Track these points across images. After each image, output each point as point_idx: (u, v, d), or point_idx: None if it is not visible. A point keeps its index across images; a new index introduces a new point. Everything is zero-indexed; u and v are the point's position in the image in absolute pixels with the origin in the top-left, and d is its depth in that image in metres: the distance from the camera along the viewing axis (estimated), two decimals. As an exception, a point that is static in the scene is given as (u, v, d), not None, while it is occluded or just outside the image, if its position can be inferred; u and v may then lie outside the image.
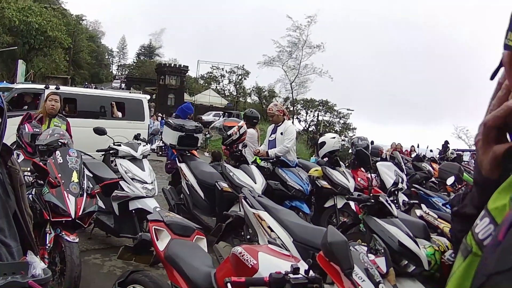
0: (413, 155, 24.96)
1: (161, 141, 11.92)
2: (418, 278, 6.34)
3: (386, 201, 7.15)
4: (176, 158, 11.19)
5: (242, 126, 10.71)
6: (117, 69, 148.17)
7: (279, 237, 6.27)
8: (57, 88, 17.89)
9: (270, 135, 12.16)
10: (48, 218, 6.51)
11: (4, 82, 33.73)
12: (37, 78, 51.21)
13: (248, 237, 8.17)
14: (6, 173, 3.83)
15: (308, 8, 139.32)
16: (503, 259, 0.76)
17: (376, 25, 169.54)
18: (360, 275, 3.70)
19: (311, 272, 3.51)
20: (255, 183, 9.75)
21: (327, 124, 78.86)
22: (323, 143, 12.12)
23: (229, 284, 3.36)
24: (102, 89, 43.56)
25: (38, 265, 3.63)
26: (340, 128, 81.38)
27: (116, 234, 9.55)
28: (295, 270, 3.36)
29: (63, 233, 6.57)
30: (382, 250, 4.76)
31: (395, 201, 10.48)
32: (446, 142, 29.27)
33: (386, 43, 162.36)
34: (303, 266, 3.59)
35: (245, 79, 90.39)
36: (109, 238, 10.10)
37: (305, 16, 65.34)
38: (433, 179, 16.42)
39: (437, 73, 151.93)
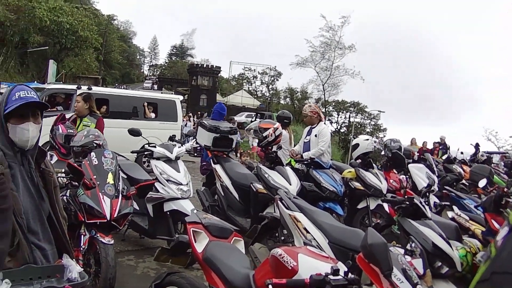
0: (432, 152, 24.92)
1: (195, 142, 11.90)
2: (451, 279, 6.38)
3: (420, 202, 7.16)
4: (211, 159, 11.20)
5: (277, 128, 10.68)
6: (148, 69, 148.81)
7: (314, 239, 6.30)
8: (89, 89, 18.05)
9: (305, 137, 12.17)
10: (83, 219, 6.54)
11: (35, 82, 33.79)
12: (67, 78, 51.32)
13: (283, 238, 8.21)
14: (40, 176, 3.87)
15: (342, 8, 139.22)
16: (507, 262, 0.82)
17: (406, 26, 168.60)
18: (399, 277, 3.74)
19: (350, 274, 3.56)
20: (290, 184, 9.73)
21: (359, 126, 78.69)
22: (357, 145, 12.16)
23: (270, 286, 3.40)
24: (131, 89, 43.61)
25: (74, 269, 3.68)
26: (371, 129, 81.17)
27: (150, 236, 9.61)
28: (335, 272, 3.40)
29: (98, 234, 6.58)
30: (419, 252, 4.78)
31: (427, 203, 10.41)
32: (477, 145, 29.09)
33: (416, 44, 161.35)
34: (341, 267, 3.62)
35: (277, 80, 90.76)
36: (142, 240, 10.15)
37: (339, 16, 65.04)
38: (463, 181, 16.36)
39: (467, 74, 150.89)
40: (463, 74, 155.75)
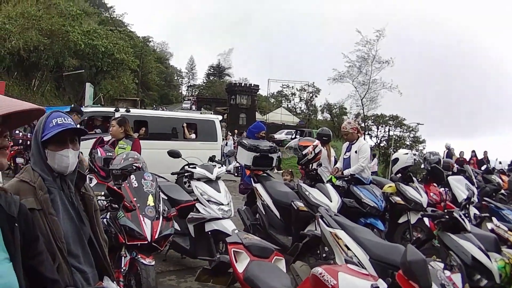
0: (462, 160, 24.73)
1: (237, 162, 11.97)
2: (492, 293, 6.37)
3: (460, 216, 7.19)
4: (251, 179, 11.23)
5: (317, 146, 10.70)
6: (186, 90, 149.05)
7: (355, 255, 6.28)
8: (127, 111, 18.38)
9: (345, 153, 12.15)
10: (124, 241, 6.59)
11: (72, 105, 34.20)
12: (105, 101, 51.64)
13: (324, 255, 8.23)
14: (80, 200, 3.93)
15: (377, 22, 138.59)
16: None
17: (440, 38, 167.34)
18: None
19: None
20: (331, 201, 9.74)
21: (398, 139, 78.13)
22: (396, 159, 12.23)
23: None
24: (170, 110, 43.65)
25: None
26: (410, 142, 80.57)
27: (191, 256, 9.68)
28: (376, 289, 3.46)
29: (139, 256, 6.61)
30: (458, 267, 4.80)
31: (467, 215, 10.37)
32: (515, 153, 28.70)
33: (452, 53, 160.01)
34: (381, 284, 3.68)
35: (316, 96, 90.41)
36: (184, 260, 10.19)
37: (374, 30, 64.68)
38: (502, 191, 16.07)
39: (505, 83, 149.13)
40: (502, 83, 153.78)
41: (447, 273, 4.28)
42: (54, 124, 3.79)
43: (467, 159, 27.33)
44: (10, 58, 40.74)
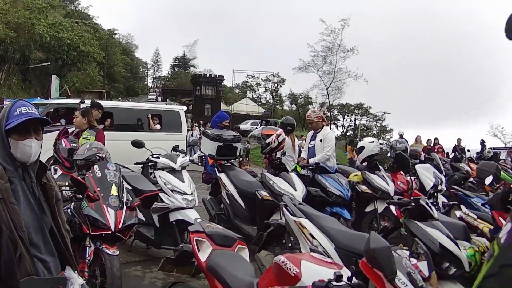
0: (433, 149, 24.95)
1: (201, 151, 12.00)
2: (459, 280, 6.33)
3: (427, 203, 7.12)
4: (216, 168, 11.22)
5: (280, 134, 10.71)
6: (152, 82, 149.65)
7: (321, 244, 6.27)
8: (94, 103, 18.23)
9: (310, 142, 12.22)
10: (88, 231, 6.56)
11: (38, 98, 33.91)
12: (72, 93, 51.66)
13: (290, 245, 8.19)
14: (42, 190, 3.91)
15: (341, 11, 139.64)
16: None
17: (406, 26, 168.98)
18: (403, 280, 3.73)
19: (354, 279, 3.53)
20: (295, 190, 9.73)
21: (364, 128, 78.72)
22: (362, 147, 12.17)
23: None
24: (136, 102, 43.77)
25: (76, 281, 3.71)
26: (377, 131, 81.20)
27: (156, 246, 9.62)
28: (338, 278, 3.38)
29: (103, 246, 6.62)
30: (424, 254, 4.76)
31: (435, 203, 10.40)
32: (483, 141, 29.04)
33: (417, 42, 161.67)
34: (346, 273, 3.60)
35: (281, 86, 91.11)
36: (149, 250, 10.17)
37: (339, 19, 65.03)
38: (471, 179, 16.34)
39: (471, 71, 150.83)
40: (466, 71, 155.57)
41: (414, 261, 4.25)
42: (18, 113, 3.80)
43: (434, 147, 27.49)
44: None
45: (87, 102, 17.80)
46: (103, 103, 20.19)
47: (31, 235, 3.69)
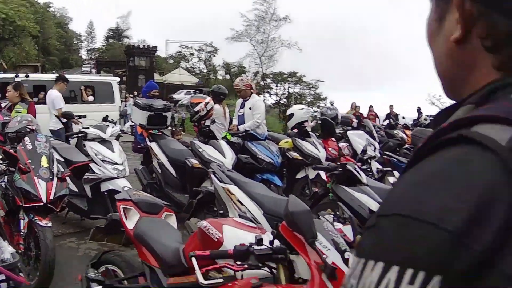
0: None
1: (131, 121, 12.02)
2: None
3: (355, 169, 7.23)
4: (147, 138, 11.21)
5: (208, 102, 10.74)
6: (86, 54, 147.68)
7: (249, 211, 6.33)
8: (27, 76, 18.41)
9: (239, 110, 12.28)
10: (21, 204, 6.53)
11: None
12: (8, 68, 50.91)
13: (221, 212, 8.25)
14: None
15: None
16: (393, 204, 0.80)
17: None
18: (325, 244, 3.69)
19: (276, 243, 3.58)
20: (225, 157, 9.78)
21: (298, 96, 78.90)
22: (292, 114, 12.25)
23: (193, 258, 3.42)
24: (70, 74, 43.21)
25: (6, 250, 3.68)
26: (311, 99, 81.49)
27: (89, 217, 9.60)
28: (259, 241, 3.43)
29: (36, 218, 6.51)
30: (349, 219, 4.83)
31: (369, 169, 10.52)
32: (419, 109, 29.38)
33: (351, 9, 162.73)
34: (268, 237, 3.65)
35: (214, 56, 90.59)
36: (83, 222, 10.11)
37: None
38: (406, 145, 16.41)
39: (405, 42, 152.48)
40: (400, 41, 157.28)
41: (339, 225, 4.30)
42: None
43: (364, 114, 27.63)
44: None
45: (21, 76, 17.89)
46: (38, 76, 20.10)
47: None
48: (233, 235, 3.87)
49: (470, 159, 0.77)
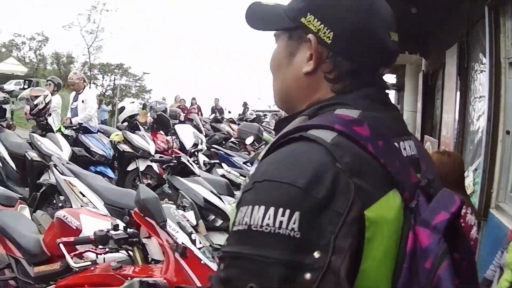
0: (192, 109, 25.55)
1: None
2: (226, 232, 6.93)
3: (188, 161, 7.71)
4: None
5: (47, 95, 10.87)
6: None
7: (91, 201, 6.65)
8: None
9: (72, 103, 12.48)
10: None
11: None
12: None
13: (61, 204, 8.48)
14: None
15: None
16: (263, 174, 1.32)
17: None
18: (174, 227, 4.06)
19: (128, 228, 4.00)
20: (62, 150, 9.98)
21: (124, 88, 77.77)
22: (122, 108, 12.81)
23: (61, 245, 3.73)
24: None
25: None
26: (136, 91, 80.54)
27: None
28: (115, 227, 3.84)
29: None
30: (190, 206, 5.21)
31: (196, 162, 10.77)
32: (245, 103, 30.02)
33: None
34: (120, 224, 4.07)
35: (44, 45, 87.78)
36: None
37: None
38: (232, 139, 16.91)
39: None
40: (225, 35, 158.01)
41: (180, 212, 4.68)
42: None
43: (188, 107, 27.67)
44: None
45: None
46: None
47: None
48: (90, 223, 4.27)
49: (309, 149, 1.30)
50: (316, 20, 1.50)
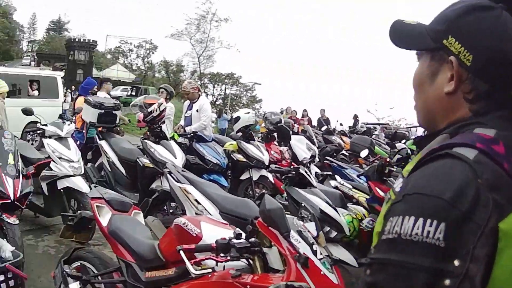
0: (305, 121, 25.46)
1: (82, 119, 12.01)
2: (340, 244, 6.78)
3: (305, 172, 7.56)
4: (96, 136, 11.31)
5: (162, 103, 10.90)
6: (27, 45, 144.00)
7: (205, 209, 6.55)
8: None
9: (186, 112, 12.59)
10: (-13, 201, 6.45)
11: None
12: None
13: (171, 211, 8.45)
14: None
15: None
16: (415, 186, 1.40)
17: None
18: (296, 237, 3.97)
19: (250, 238, 3.91)
20: (176, 158, 9.95)
21: (234, 98, 78.78)
22: (238, 118, 12.67)
23: (181, 252, 3.68)
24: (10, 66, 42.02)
25: (7, 248, 3.79)
26: (247, 101, 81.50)
27: (46, 214, 9.63)
28: (238, 236, 3.77)
29: (4, 215, 6.58)
30: (310, 217, 5.08)
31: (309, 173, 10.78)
32: (356, 116, 29.84)
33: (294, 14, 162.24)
34: (241, 232, 3.95)
35: (153, 53, 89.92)
36: (38, 219, 10.06)
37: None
38: (343, 151, 17.03)
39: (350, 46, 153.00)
40: (337, 47, 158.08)
41: (301, 222, 4.56)
42: None
43: (300, 118, 27.63)
44: None
45: None
46: None
47: None
48: (211, 231, 4.18)
49: (454, 166, 1.36)
50: (457, 42, 1.64)
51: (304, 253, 3.87)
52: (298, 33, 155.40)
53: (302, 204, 5.45)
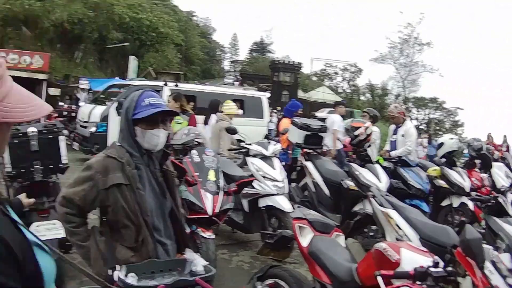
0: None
1: (288, 140, 12.26)
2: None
3: (504, 201, 7.38)
4: (303, 157, 11.50)
5: (368, 127, 10.91)
6: (229, 65, 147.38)
7: (406, 235, 6.47)
8: (176, 86, 18.32)
9: (392, 136, 12.48)
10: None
11: (116, 78, 33.30)
12: (147, 74, 51.54)
13: (371, 234, 8.45)
14: (162, 176, 4.14)
15: (419, 3, 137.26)
16: None
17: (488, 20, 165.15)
18: (490, 269, 3.92)
19: (448, 267, 3.89)
20: (380, 182, 9.94)
21: (437, 122, 77.57)
22: (442, 144, 12.43)
23: (379, 277, 3.76)
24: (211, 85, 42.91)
25: (199, 262, 3.96)
26: (449, 126, 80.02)
27: (244, 230, 9.91)
28: (436, 265, 3.78)
29: (199, 229, 6.79)
30: (505, 248, 4.96)
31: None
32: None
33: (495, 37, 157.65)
34: (439, 261, 3.95)
35: (358, 76, 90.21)
36: (235, 234, 10.46)
37: (418, 12, 65.14)
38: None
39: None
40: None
41: (495, 253, 4.48)
42: (147, 103, 3.94)
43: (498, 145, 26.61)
44: (53, 30, 40.99)
45: (170, 85, 18.06)
46: (186, 86, 19.97)
47: (154, 219, 3.94)
48: (410, 258, 4.15)
49: None
50: None
51: (496, 285, 3.82)
52: (500, 57, 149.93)
53: (500, 234, 5.36)
